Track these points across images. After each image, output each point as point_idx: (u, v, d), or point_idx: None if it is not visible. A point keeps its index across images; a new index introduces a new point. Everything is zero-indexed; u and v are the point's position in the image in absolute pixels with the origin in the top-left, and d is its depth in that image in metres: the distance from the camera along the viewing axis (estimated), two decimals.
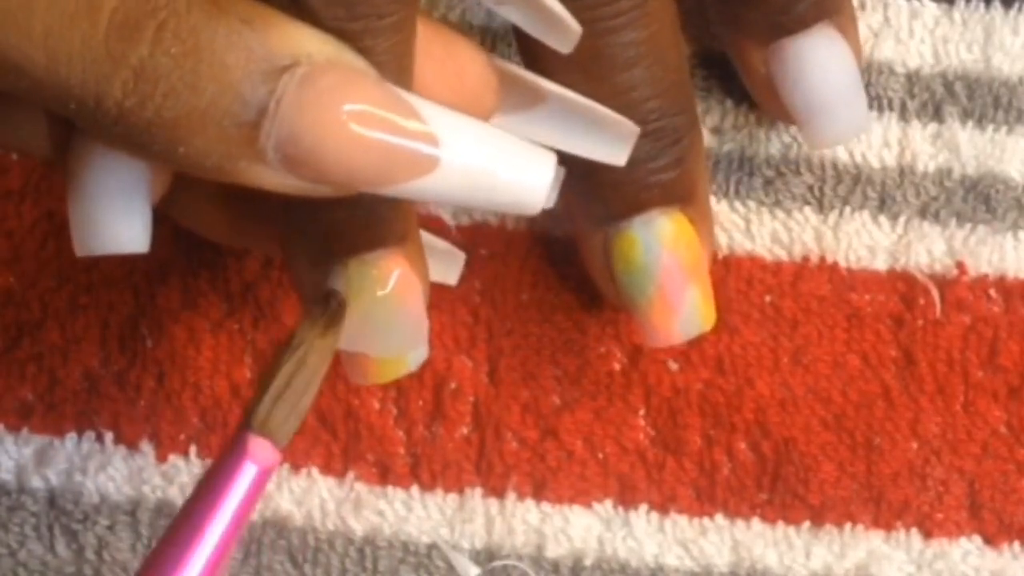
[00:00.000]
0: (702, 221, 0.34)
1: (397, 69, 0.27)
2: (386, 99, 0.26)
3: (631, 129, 0.32)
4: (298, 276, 0.31)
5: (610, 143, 0.32)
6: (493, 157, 0.26)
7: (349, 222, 0.29)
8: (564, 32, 0.30)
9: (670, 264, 0.33)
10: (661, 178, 0.33)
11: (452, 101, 0.28)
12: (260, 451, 0.27)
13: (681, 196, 0.34)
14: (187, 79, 0.25)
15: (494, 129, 0.27)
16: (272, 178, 0.26)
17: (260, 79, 0.25)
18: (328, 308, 0.29)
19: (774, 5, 0.34)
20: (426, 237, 0.34)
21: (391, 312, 0.30)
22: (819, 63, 0.34)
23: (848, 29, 0.35)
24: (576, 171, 0.31)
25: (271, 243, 0.32)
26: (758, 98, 0.36)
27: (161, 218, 0.36)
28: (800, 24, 0.34)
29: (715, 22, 0.36)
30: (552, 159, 0.27)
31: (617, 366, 0.37)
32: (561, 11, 0.29)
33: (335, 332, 0.29)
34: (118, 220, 0.28)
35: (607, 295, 0.35)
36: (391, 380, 0.32)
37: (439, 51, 0.29)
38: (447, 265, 0.36)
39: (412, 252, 0.31)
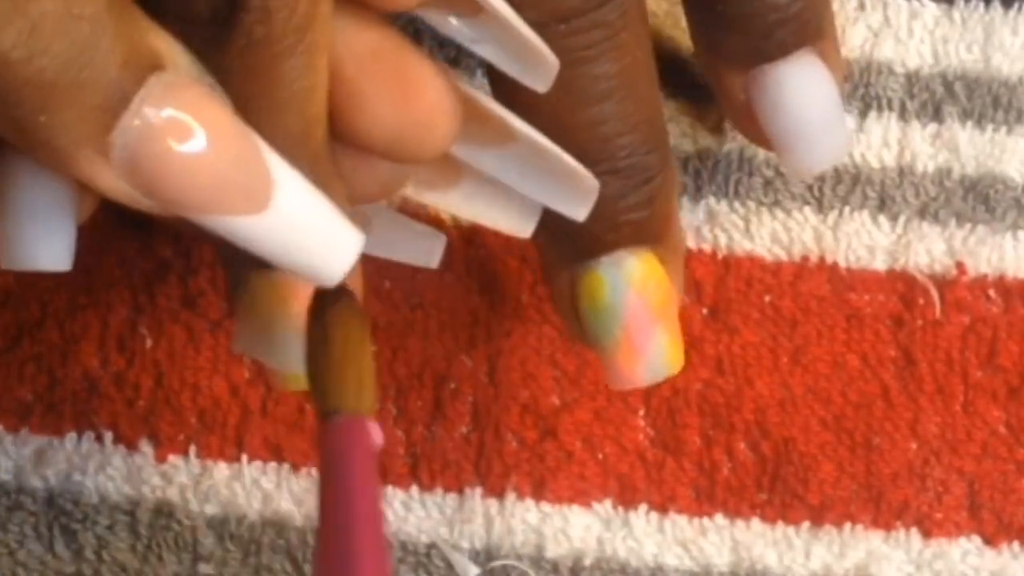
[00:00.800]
0: (673, 262, 0.33)
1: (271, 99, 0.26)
2: (235, 131, 0.25)
3: (592, 184, 0.31)
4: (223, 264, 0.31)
5: (572, 196, 0.31)
6: (317, 219, 0.26)
7: None
8: (542, 69, 0.29)
9: (637, 305, 0.32)
10: (631, 217, 0.32)
11: (397, 122, 0.28)
12: (365, 428, 0.27)
13: (651, 236, 0.32)
14: (83, 45, 0.24)
15: (323, 196, 0.27)
16: (106, 178, 0.25)
17: (136, 69, 0.25)
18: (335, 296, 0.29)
19: (754, 30, 0.33)
20: (403, 220, 0.34)
21: (286, 328, 0.30)
22: (800, 91, 0.33)
23: (830, 55, 0.34)
24: (545, 207, 0.31)
25: None
26: (736, 124, 0.35)
27: (158, 218, 0.36)
28: (781, 50, 0.33)
29: (694, 45, 0.35)
30: (361, 240, 0.27)
31: None
32: (540, 45, 0.28)
33: (353, 305, 0.29)
34: (40, 238, 0.28)
35: (572, 334, 0.34)
36: (294, 389, 0.32)
37: (388, 69, 0.28)
38: (427, 247, 0.35)
39: None
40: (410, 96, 0.28)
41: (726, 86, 0.34)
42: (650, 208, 0.32)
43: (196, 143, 0.25)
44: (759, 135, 0.34)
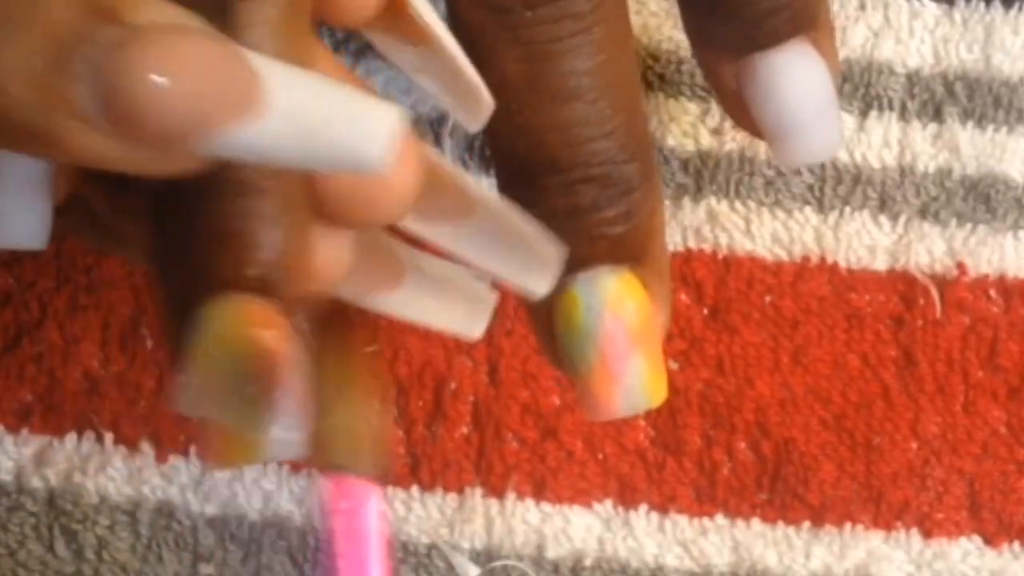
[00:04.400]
0: (657, 284, 0.31)
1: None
2: (208, 40, 0.23)
3: (554, 253, 0.29)
4: (166, 310, 0.27)
5: (532, 267, 0.29)
6: (329, 101, 0.23)
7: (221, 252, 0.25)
8: (477, 106, 0.28)
9: (614, 328, 0.30)
10: (607, 231, 0.30)
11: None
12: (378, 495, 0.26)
13: (631, 254, 0.30)
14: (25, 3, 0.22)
15: (329, 78, 0.24)
16: (91, 139, 0.23)
17: (91, 10, 0.23)
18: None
19: (746, 18, 0.32)
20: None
21: (245, 369, 0.25)
22: (792, 80, 0.32)
23: (824, 44, 0.33)
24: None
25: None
26: (728, 113, 0.34)
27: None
28: (774, 39, 0.32)
29: (686, 33, 0.34)
30: (396, 111, 0.23)
31: None
32: (477, 81, 0.27)
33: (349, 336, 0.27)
34: (14, 215, 0.27)
35: (552, 360, 0.32)
36: (242, 463, 0.27)
37: None
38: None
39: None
40: None
41: (716, 74, 0.33)
42: (629, 223, 0.30)
43: (168, 62, 0.22)
44: (751, 125, 0.33)
